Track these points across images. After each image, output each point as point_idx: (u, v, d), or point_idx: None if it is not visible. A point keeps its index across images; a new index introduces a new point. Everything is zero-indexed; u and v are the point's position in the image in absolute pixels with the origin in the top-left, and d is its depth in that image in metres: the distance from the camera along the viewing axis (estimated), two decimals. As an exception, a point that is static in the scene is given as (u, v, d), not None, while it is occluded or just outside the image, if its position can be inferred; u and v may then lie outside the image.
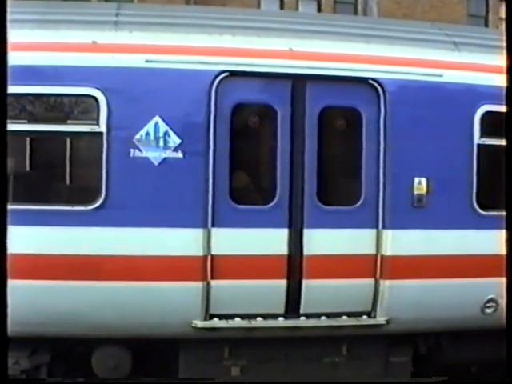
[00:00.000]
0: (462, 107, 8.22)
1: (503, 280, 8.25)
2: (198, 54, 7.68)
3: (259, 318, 7.86)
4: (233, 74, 7.70)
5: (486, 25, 26.15)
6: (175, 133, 7.53)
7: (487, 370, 9.15)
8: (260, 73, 7.83)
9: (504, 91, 8.52)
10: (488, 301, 8.25)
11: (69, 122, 7.57)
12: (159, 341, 7.94)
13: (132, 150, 7.47)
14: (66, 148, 7.87)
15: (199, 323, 7.70)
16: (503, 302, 8.15)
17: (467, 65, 8.34)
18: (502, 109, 8.24)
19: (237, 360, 8.16)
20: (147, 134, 7.49)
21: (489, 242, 8.20)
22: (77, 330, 7.57)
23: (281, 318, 7.93)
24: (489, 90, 8.23)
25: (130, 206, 7.53)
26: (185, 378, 7.98)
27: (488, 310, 8.28)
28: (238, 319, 7.82)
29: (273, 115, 7.88)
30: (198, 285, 7.65)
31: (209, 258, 7.66)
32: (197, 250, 7.63)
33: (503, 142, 8.36)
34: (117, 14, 7.92)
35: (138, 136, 7.46)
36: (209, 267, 7.66)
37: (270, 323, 7.90)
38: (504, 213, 8.41)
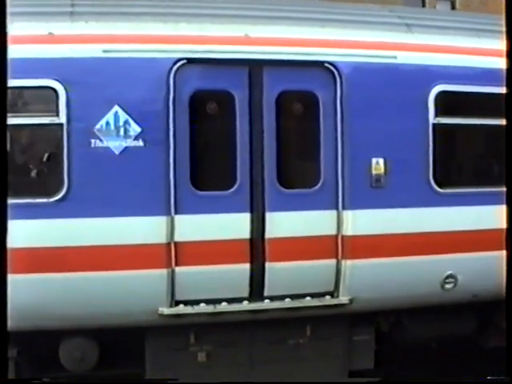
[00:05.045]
0: (417, 88, 8.74)
1: (461, 256, 8.87)
2: (155, 43, 8.06)
3: (224, 303, 8.29)
4: (190, 61, 8.09)
5: (423, 5, 26.78)
6: (135, 121, 7.90)
7: (448, 345, 9.77)
8: (217, 59, 8.22)
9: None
10: (447, 277, 8.82)
11: (29, 114, 7.85)
12: (125, 330, 8.32)
13: (93, 141, 7.82)
14: (27, 140, 8.14)
15: (165, 310, 8.11)
16: (462, 277, 8.77)
17: (420, 46, 8.87)
18: (456, 88, 8.87)
19: (202, 345, 8.61)
20: (107, 123, 7.84)
21: (447, 218, 8.80)
22: (43, 322, 7.86)
23: (245, 302, 8.37)
24: (442, 70, 8.82)
25: (93, 196, 7.86)
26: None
27: (448, 286, 8.85)
28: (203, 304, 8.23)
29: (231, 101, 8.28)
30: (163, 272, 8.04)
31: (172, 244, 8.06)
32: (160, 238, 8.03)
33: (458, 121, 8.99)
34: (72, 5, 8.22)
35: (98, 126, 7.82)
36: (173, 254, 8.05)
37: (235, 307, 8.34)
38: (462, 189, 9.01)
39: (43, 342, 8.39)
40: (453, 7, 26.88)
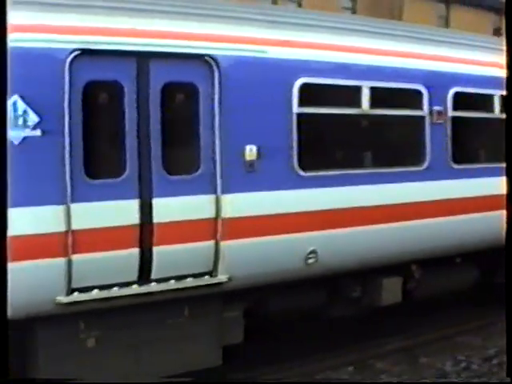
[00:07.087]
0: (283, 80, 9.60)
1: (322, 233, 9.81)
2: (51, 33, 8.15)
3: (115, 288, 8.58)
4: (84, 52, 8.27)
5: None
6: (34, 111, 7.95)
7: (308, 318, 10.71)
8: (108, 51, 8.48)
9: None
10: (310, 252, 9.76)
11: None
12: (17, 322, 8.29)
13: None
14: None
15: (63, 299, 8.24)
16: (322, 252, 9.69)
17: (286, 42, 9.71)
18: (317, 81, 9.79)
19: (91, 331, 8.80)
20: (6, 113, 7.83)
21: (309, 199, 9.71)
22: None
23: (134, 286, 8.72)
24: (305, 65, 9.75)
25: None
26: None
27: (310, 261, 9.78)
28: (96, 291, 8.45)
29: (121, 92, 8.57)
30: (61, 261, 8.18)
31: (70, 233, 8.21)
32: (58, 227, 8.16)
33: (319, 110, 9.90)
34: None
35: (-4, 115, 7.79)
36: (70, 242, 8.20)
37: (126, 291, 8.65)
38: (323, 172, 9.94)
39: None
40: (299, 5, 28.50)
